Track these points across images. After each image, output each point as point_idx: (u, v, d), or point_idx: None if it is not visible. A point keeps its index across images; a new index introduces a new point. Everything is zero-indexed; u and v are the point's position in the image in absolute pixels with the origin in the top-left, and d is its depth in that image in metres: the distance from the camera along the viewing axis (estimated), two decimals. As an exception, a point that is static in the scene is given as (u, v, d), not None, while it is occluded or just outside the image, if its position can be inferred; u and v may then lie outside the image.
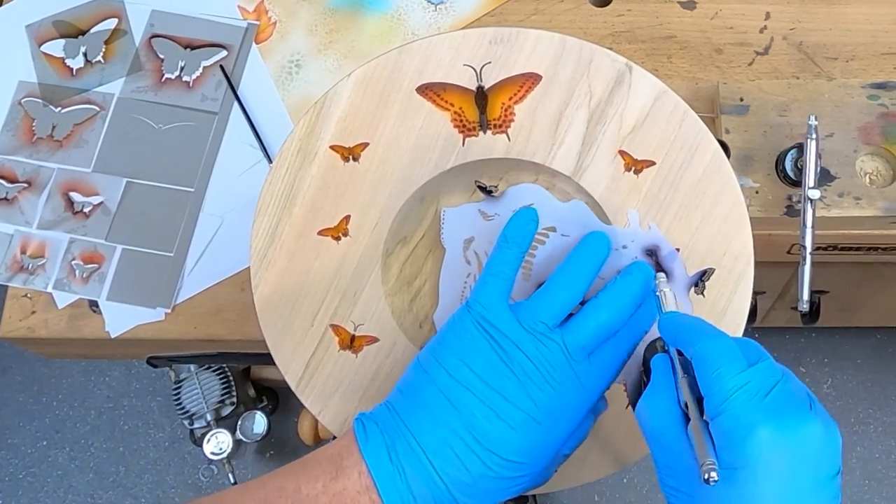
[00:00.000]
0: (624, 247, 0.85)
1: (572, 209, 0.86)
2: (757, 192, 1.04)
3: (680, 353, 0.72)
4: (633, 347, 0.79)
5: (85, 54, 1.18)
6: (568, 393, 0.75)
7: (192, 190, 1.12)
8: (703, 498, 0.67)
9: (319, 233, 0.88)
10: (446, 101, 0.87)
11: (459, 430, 0.73)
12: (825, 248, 1.12)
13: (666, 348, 0.75)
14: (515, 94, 0.87)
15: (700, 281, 0.85)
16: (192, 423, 1.78)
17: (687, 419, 0.68)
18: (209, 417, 1.76)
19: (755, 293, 1.17)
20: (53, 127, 1.15)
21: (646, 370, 0.77)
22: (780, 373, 0.68)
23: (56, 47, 1.19)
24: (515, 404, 0.74)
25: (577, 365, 0.75)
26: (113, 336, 1.08)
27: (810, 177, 0.98)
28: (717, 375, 0.67)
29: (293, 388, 0.90)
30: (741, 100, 1.06)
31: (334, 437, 0.85)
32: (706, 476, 0.63)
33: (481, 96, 0.87)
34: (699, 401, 0.68)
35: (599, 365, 0.77)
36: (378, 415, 0.77)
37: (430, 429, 0.74)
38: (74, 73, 1.17)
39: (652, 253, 0.85)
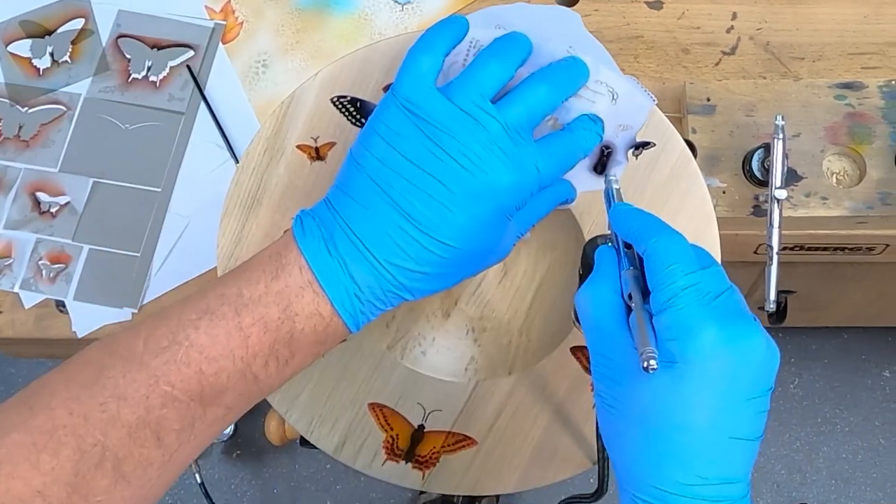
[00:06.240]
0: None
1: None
2: (724, 192, 1.04)
3: (628, 248, 0.71)
4: (581, 147, 0.78)
5: (52, 54, 1.17)
6: (509, 169, 0.73)
7: (158, 190, 1.11)
8: (634, 387, 0.66)
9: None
10: (414, 101, 0.87)
11: (395, 217, 0.71)
12: (792, 248, 1.12)
13: (610, 242, 0.74)
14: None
15: (642, 146, 0.86)
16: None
17: (629, 311, 0.68)
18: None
19: (722, 293, 1.17)
20: (20, 127, 1.14)
21: (584, 265, 0.75)
22: (728, 283, 0.68)
23: (23, 47, 1.18)
24: (448, 184, 0.71)
25: (518, 139, 0.73)
26: (80, 336, 1.08)
27: (777, 177, 0.98)
28: (669, 272, 0.66)
29: (260, 388, 0.90)
30: (708, 100, 1.07)
31: (301, 438, 0.84)
32: (645, 364, 0.62)
33: (449, 96, 0.87)
34: (644, 295, 0.68)
35: (544, 146, 0.75)
36: (317, 210, 0.75)
37: (365, 218, 0.72)
38: (41, 72, 1.17)
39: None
